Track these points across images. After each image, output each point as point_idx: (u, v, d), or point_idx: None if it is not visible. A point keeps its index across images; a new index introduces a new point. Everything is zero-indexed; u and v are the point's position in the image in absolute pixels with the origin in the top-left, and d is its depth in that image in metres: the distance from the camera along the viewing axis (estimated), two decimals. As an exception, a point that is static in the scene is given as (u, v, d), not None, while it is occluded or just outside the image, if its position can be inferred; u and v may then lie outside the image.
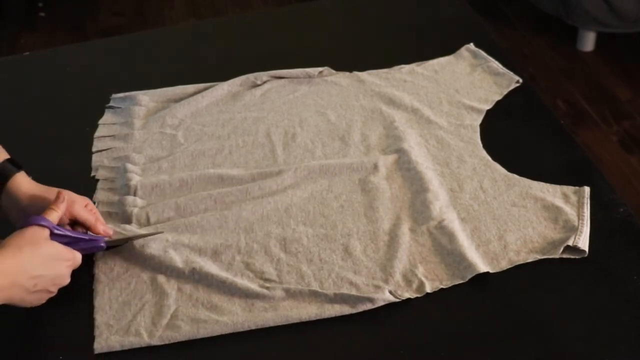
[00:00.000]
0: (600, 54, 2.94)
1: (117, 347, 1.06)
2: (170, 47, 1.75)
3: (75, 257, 1.10)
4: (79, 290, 1.15)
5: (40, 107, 1.57)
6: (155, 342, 1.06)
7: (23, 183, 1.16)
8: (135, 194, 1.30)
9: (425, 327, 1.07)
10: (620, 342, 1.03)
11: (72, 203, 1.15)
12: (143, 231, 1.21)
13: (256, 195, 1.28)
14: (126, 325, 1.09)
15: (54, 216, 1.10)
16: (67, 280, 1.09)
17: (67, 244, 1.10)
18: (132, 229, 1.23)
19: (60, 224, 1.13)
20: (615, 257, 1.13)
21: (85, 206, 1.19)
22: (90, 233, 1.18)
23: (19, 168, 1.18)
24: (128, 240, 1.19)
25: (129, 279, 1.16)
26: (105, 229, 1.19)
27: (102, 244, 1.16)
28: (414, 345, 1.05)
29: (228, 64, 1.63)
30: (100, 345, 1.07)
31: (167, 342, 1.06)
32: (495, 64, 1.53)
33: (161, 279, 1.15)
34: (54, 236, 1.08)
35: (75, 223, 1.17)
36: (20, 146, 1.46)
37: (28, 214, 1.11)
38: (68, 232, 1.12)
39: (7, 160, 1.18)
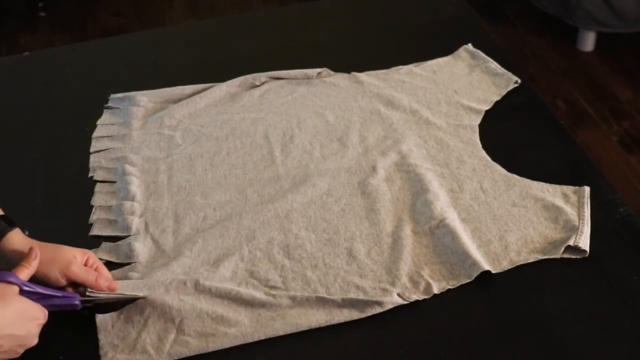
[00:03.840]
0: (600, 54, 2.93)
1: None
2: (170, 47, 1.74)
3: (45, 316, 1.01)
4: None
5: (40, 107, 1.57)
6: (164, 359, 1.04)
7: (17, 241, 1.09)
8: (133, 199, 1.29)
9: (427, 328, 1.07)
10: (620, 342, 1.03)
11: (69, 264, 1.07)
12: (128, 292, 1.11)
13: (255, 202, 1.27)
14: (132, 343, 1.06)
15: (24, 273, 1.01)
16: (35, 341, 1.00)
17: (38, 301, 1.01)
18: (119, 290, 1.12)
19: (59, 286, 1.07)
20: (615, 257, 1.13)
21: (87, 260, 1.10)
22: (67, 291, 1.08)
23: (12, 225, 1.10)
24: (108, 300, 1.10)
25: None
26: (111, 284, 1.09)
27: (77, 302, 1.06)
28: (416, 345, 1.05)
29: (228, 64, 1.63)
30: None
31: (175, 358, 1.04)
32: (494, 65, 1.53)
33: (160, 289, 1.12)
34: (23, 293, 0.99)
35: (75, 284, 1.09)
36: (20, 147, 1.47)
37: None
38: (39, 289, 1.02)
39: (0, 217, 1.11)
